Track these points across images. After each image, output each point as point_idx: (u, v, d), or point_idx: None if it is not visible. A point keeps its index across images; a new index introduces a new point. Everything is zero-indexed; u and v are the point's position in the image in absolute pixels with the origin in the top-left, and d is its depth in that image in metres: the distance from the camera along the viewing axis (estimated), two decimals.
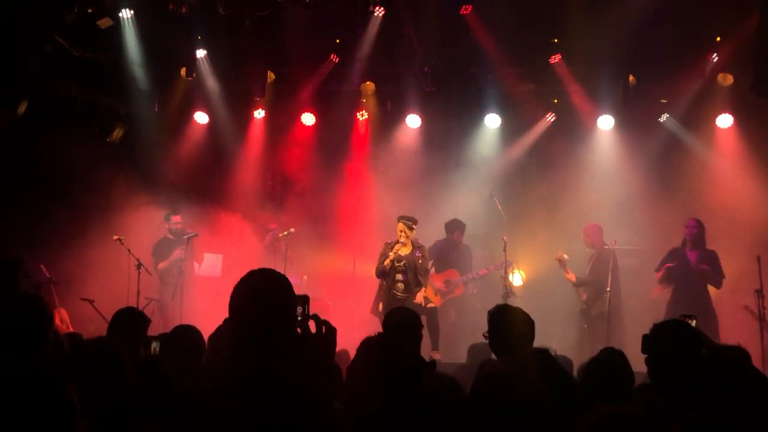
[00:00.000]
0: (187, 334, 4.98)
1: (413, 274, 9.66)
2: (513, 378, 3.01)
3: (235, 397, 2.59)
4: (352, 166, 12.68)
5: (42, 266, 10.53)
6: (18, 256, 10.19)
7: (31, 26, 10.38)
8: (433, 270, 10.71)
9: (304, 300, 2.99)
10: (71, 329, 9.70)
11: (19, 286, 9.89)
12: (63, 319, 10.40)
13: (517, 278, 11.01)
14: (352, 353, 5.17)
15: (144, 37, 11.24)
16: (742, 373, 3.49)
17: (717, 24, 10.84)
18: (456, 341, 10.36)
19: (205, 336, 4.91)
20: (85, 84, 11.42)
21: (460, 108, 12.24)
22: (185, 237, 10.89)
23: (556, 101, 12.21)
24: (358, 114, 12.72)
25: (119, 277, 10.66)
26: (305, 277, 11.57)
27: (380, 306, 9.68)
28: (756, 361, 4.89)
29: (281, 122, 12.78)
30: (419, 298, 9.64)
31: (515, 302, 9.01)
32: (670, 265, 9.76)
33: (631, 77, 11.32)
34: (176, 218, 11.22)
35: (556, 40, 11.55)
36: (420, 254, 9.76)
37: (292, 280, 2.91)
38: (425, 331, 6.43)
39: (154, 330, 5.36)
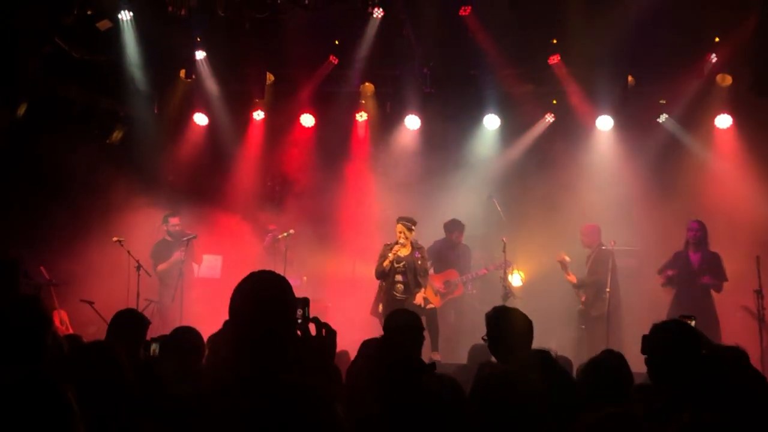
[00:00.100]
0: (186, 335, 4.98)
1: (413, 275, 9.67)
2: (513, 378, 3.01)
3: (235, 398, 2.59)
4: (352, 167, 12.68)
5: (42, 268, 10.53)
6: (18, 258, 10.20)
7: (31, 28, 10.37)
8: (432, 270, 10.72)
9: (305, 302, 2.99)
10: (71, 331, 9.71)
11: (18, 287, 9.89)
12: (63, 321, 10.41)
13: (516, 279, 11.01)
14: (352, 354, 5.18)
15: (143, 38, 11.24)
16: (742, 373, 3.49)
17: (716, 25, 10.84)
18: (456, 342, 10.37)
19: (205, 337, 4.91)
20: (84, 86, 11.41)
21: (459, 109, 12.24)
22: (185, 239, 10.89)
23: (555, 102, 12.21)
24: (357, 115, 12.72)
25: (119, 279, 10.66)
26: (305, 278, 11.57)
27: (380, 307, 9.69)
28: (755, 362, 4.90)
29: (280, 123, 12.77)
30: (419, 299, 9.65)
31: (514, 303, 9.04)
32: (670, 273, 9.78)
33: (630, 78, 11.32)
34: (174, 220, 11.21)
35: (555, 41, 11.54)
36: (419, 255, 9.77)
37: (291, 282, 2.92)
38: (425, 332, 6.43)
39: (153, 332, 5.36)
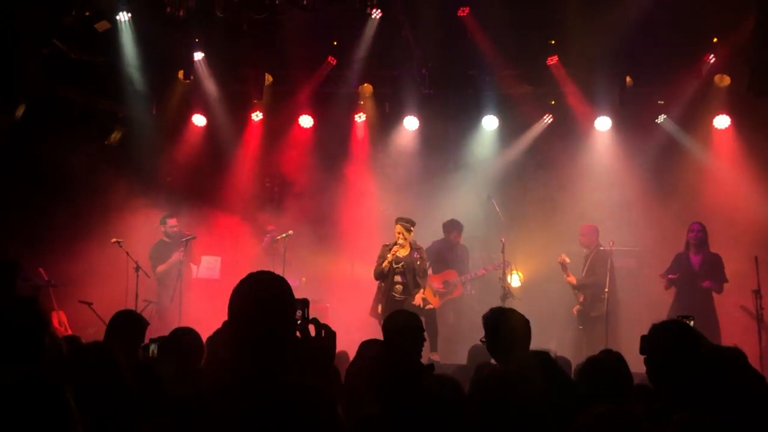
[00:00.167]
0: (185, 336, 4.98)
1: (412, 275, 9.67)
2: (513, 378, 3.01)
3: (235, 398, 2.59)
4: (350, 168, 12.67)
5: (41, 269, 10.53)
6: (16, 259, 10.19)
7: (30, 29, 10.37)
8: (431, 271, 10.72)
9: (304, 303, 3.00)
10: (70, 332, 9.70)
11: (16, 288, 9.88)
12: (62, 322, 10.41)
13: (515, 279, 11.03)
14: (351, 355, 5.19)
15: (141, 39, 11.23)
16: (741, 374, 3.49)
17: (714, 25, 10.84)
18: (454, 342, 10.37)
19: (204, 338, 4.91)
20: (83, 87, 11.41)
21: (457, 110, 12.24)
22: (183, 240, 10.88)
23: (553, 103, 12.21)
24: (355, 116, 12.72)
25: (118, 280, 10.65)
26: (304, 279, 11.57)
27: (379, 308, 9.70)
28: (754, 362, 4.90)
29: (279, 124, 12.76)
30: (418, 299, 9.65)
31: (513, 303, 9.06)
32: (672, 277, 9.79)
33: (628, 78, 11.32)
34: (172, 221, 11.20)
35: (553, 42, 11.55)
36: (418, 256, 9.77)
37: (290, 283, 2.92)
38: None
39: (152, 333, 5.35)
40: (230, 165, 12.71)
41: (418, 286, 9.71)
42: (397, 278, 9.70)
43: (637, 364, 4.21)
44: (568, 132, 12.12)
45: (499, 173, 12.35)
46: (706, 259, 9.81)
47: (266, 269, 2.96)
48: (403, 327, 5.10)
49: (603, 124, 11.86)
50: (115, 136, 11.86)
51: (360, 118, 12.72)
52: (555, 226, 11.26)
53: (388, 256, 9.64)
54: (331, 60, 12.15)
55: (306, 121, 12.68)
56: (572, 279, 10.38)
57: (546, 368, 3.55)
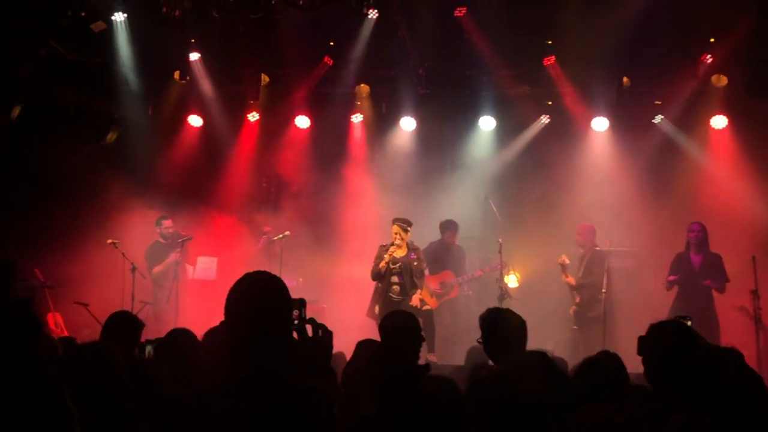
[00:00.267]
0: (182, 337, 4.96)
1: (409, 276, 9.66)
2: (510, 379, 3.00)
3: (232, 399, 2.58)
4: (347, 168, 12.65)
5: (37, 270, 10.51)
6: (12, 260, 10.17)
7: (25, 30, 10.36)
8: (427, 272, 10.71)
9: (301, 304, 2.98)
10: (66, 333, 9.69)
11: (12, 290, 9.86)
12: (57, 323, 10.39)
13: (512, 280, 11.02)
14: (348, 356, 5.17)
15: (137, 40, 11.21)
16: (739, 374, 3.49)
17: (711, 25, 10.85)
18: (452, 343, 10.37)
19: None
20: (78, 88, 11.40)
21: (454, 110, 12.23)
22: (180, 240, 10.87)
23: (550, 103, 12.21)
24: (352, 116, 12.70)
25: (114, 281, 10.64)
26: (301, 279, 11.56)
27: (376, 308, 9.69)
28: (751, 362, 4.90)
29: (275, 125, 12.74)
30: (415, 300, 9.64)
31: (510, 304, 9.04)
32: (672, 278, 9.79)
33: (625, 79, 11.34)
34: (167, 222, 11.19)
35: (550, 42, 11.54)
36: (415, 256, 9.76)
37: (287, 283, 2.90)
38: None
39: (148, 334, 5.33)
40: (226, 166, 12.68)
41: (415, 287, 9.70)
42: (394, 279, 9.69)
43: (634, 364, 4.20)
44: (565, 132, 12.12)
45: (496, 174, 12.35)
46: (707, 259, 9.82)
47: (263, 270, 2.95)
48: (400, 327, 5.09)
49: (600, 124, 11.85)
50: (111, 136, 11.85)
51: (357, 118, 12.71)
52: (552, 226, 11.25)
53: (385, 256, 9.63)
54: (328, 60, 12.14)
55: (302, 121, 12.65)
56: (571, 280, 10.37)
57: (543, 368, 3.54)
